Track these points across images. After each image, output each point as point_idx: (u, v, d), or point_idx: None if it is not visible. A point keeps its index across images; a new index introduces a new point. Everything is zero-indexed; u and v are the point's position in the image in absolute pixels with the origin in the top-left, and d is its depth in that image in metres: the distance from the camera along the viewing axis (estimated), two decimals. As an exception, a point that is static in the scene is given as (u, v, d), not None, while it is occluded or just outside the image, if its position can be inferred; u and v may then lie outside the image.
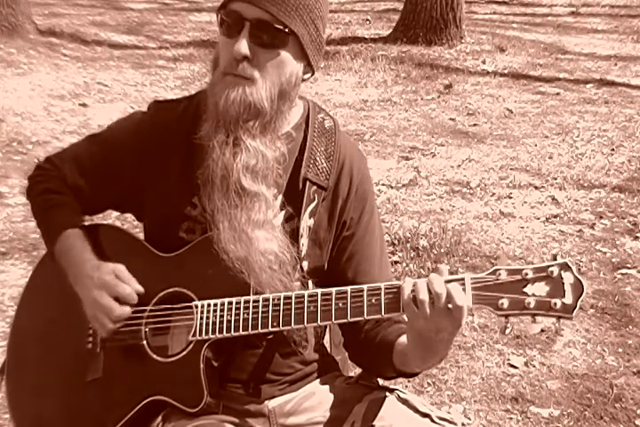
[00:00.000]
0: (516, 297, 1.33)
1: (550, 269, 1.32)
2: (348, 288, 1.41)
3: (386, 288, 1.38)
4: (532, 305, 1.32)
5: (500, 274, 1.34)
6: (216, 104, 1.46)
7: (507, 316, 1.35)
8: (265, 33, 1.44)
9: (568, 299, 1.31)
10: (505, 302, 1.33)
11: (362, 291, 1.40)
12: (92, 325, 1.57)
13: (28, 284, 1.75)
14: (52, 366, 1.64)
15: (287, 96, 1.50)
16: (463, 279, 1.34)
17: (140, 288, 1.53)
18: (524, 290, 1.33)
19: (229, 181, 1.47)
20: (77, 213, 1.68)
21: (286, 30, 1.45)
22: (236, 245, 1.47)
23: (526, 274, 1.33)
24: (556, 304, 1.31)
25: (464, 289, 1.33)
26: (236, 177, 1.46)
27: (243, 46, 1.42)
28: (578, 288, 1.32)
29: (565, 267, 1.33)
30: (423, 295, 1.32)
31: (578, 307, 1.31)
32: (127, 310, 1.52)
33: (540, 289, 1.32)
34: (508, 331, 1.38)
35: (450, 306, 1.31)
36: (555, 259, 1.34)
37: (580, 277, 1.33)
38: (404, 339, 1.48)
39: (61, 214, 1.65)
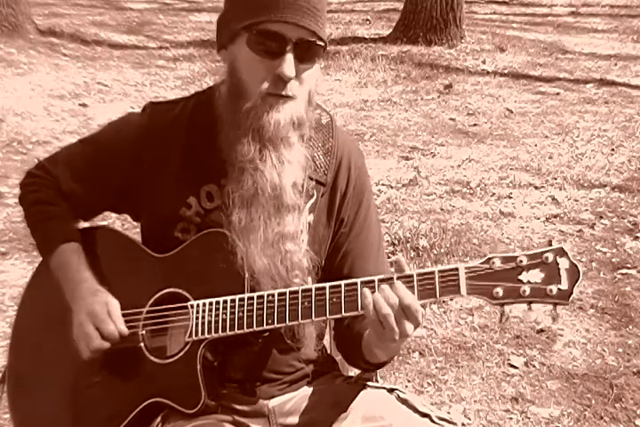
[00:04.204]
0: (510, 285, 1.31)
1: (545, 255, 1.31)
2: (342, 282, 1.41)
3: (379, 281, 1.38)
4: (527, 293, 1.31)
5: (493, 262, 1.33)
6: (262, 128, 1.45)
7: (502, 304, 1.33)
8: (308, 51, 1.46)
9: (564, 285, 1.30)
10: (500, 291, 1.32)
11: (355, 284, 1.40)
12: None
13: (28, 286, 1.75)
14: (52, 370, 1.64)
15: (313, 100, 1.53)
16: (457, 269, 1.34)
17: (125, 331, 1.53)
18: (519, 278, 1.31)
19: (278, 201, 1.48)
20: (71, 225, 1.68)
21: (323, 44, 1.48)
22: (263, 258, 1.48)
23: (521, 261, 1.31)
24: (551, 291, 1.30)
25: (411, 287, 1.34)
26: (285, 197, 1.48)
27: (291, 69, 1.43)
28: (574, 274, 1.30)
29: (561, 252, 1.31)
30: (386, 310, 1.33)
31: (574, 293, 1.30)
32: (105, 345, 1.52)
33: (536, 276, 1.31)
34: (504, 320, 1.36)
35: (403, 308, 1.32)
36: (550, 244, 1.33)
37: (575, 262, 1.31)
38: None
39: (55, 227, 1.65)
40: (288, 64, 1.43)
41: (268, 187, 1.47)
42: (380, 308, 1.34)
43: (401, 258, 1.39)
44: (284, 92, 1.45)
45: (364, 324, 1.53)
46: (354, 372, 1.79)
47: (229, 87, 1.51)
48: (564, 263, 1.30)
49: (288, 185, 1.48)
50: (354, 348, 1.57)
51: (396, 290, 1.34)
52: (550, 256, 1.31)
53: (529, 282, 1.31)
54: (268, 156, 1.47)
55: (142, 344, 1.55)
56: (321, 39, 1.47)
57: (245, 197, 1.49)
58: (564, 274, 1.30)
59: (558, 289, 1.30)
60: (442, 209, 4.55)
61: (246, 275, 1.47)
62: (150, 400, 1.52)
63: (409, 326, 1.34)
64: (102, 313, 1.53)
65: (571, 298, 1.30)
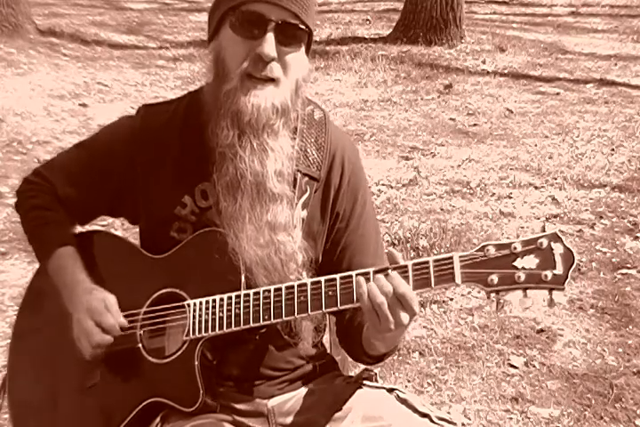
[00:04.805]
0: (505, 272, 1.31)
1: (539, 240, 1.30)
2: (337, 276, 1.41)
3: (375, 272, 1.38)
4: (522, 279, 1.30)
5: (488, 250, 1.32)
6: (240, 112, 1.45)
7: (498, 292, 1.33)
8: (290, 33, 1.46)
9: (559, 270, 1.29)
10: (495, 278, 1.31)
11: (350, 277, 1.39)
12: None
13: (29, 288, 1.75)
14: (52, 372, 1.64)
15: (301, 91, 1.52)
16: (451, 258, 1.33)
17: (124, 322, 1.53)
18: (514, 264, 1.31)
19: (261, 188, 1.47)
20: (68, 230, 1.68)
21: (307, 29, 1.48)
22: (256, 249, 1.47)
23: (515, 248, 1.31)
24: (546, 276, 1.29)
25: (406, 277, 1.34)
26: (268, 184, 1.47)
27: (271, 48, 1.43)
28: (568, 258, 1.30)
29: (555, 238, 1.30)
30: (380, 298, 1.33)
31: (569, 277, 1.29)
32: (107, 338, 1.52)
33: (530, 262, 1.30)
34: (500, 308, 1.36)
35: (397, 297, 1.33)
36: (544, 230, 1.32)
37: (570, 246, 1.30)
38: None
39: (52, 232, 1.65)
40: (268, 44, 1.42)
41: (249, 173, 1.46)
42: (374, 296, 1.34)
43: (393, 250, 1.39)
44: (263, 73, 1.44)
45: (364, 317, 1.53)
46: (354, 372, 1.79)
47: (214, 73, 1.52)
48: (558, 248, 1.30)
49: (271, 172, 1.47)
50: (355, 342, 1.57)
51: (391, 279, 1.34)
52: (545, 242, 1.30)
53: (524, 268, 1.30)
54: (248, 142, 1.46)
55: (140, 345, 1.55)
56: (304, 23, 1.47)
57: (228, 184, 1.48)
58: (558, 259, 1.29)
59: (553, 274, 1.29)
60: (442, 209, 4.55)
61: (242, 271, 1.47)
62: (149, 400, 1.52)
63: (404, 316, 1.35)
64: (100, 308, 1.53)
65: (566, 283, 1.29)
